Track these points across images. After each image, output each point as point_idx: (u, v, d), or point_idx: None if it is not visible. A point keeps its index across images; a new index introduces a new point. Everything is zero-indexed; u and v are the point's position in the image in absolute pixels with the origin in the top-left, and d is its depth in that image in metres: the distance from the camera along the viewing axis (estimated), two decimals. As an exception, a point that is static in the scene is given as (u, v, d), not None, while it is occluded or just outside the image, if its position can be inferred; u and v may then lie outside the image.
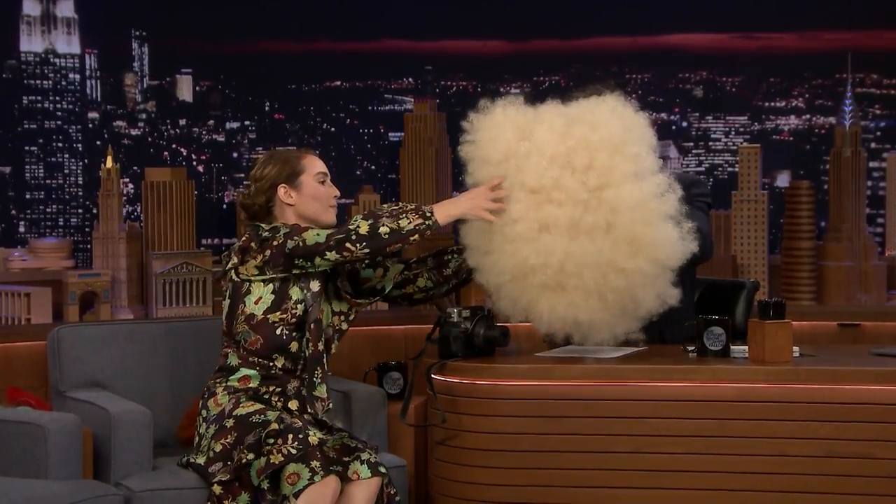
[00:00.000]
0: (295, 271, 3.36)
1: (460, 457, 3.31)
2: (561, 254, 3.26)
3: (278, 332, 3.36)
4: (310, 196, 3.48)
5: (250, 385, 3.38)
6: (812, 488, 3.16)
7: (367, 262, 3.50)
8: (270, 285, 3.37)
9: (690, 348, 3.41)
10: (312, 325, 3.38)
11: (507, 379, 3.30)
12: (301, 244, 3.32)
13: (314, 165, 3.52)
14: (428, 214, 3.32)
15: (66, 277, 6.57)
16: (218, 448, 3.28)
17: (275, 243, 3.34)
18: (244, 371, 3.40)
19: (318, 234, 3.33)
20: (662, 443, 3.21)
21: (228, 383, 3.40)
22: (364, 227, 3.28)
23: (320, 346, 3.40)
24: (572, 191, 3.28)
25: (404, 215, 3.31)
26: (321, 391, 3.40)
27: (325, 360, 3.43)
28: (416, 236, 3.30)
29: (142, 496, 3.37)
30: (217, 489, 3.22)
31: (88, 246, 7.71)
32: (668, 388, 3.23)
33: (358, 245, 3.28)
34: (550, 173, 3.30)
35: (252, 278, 3.38)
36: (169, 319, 3.54)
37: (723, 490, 3.20)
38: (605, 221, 3.26)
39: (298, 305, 3.37)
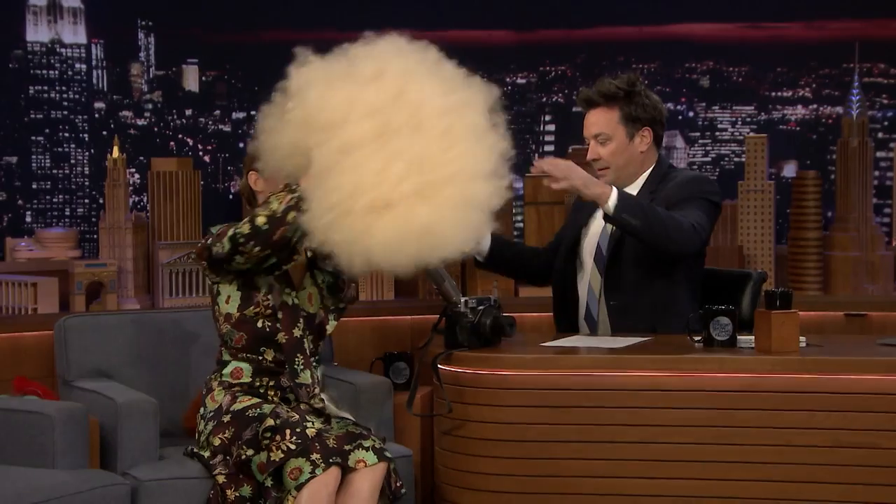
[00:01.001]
0: (231, 272, 3.31)
1: (466, 447, 3.31)
2: (415, 150, 2.97)
3: (260, 325, 3.35)
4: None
5: (243, 379, 3.38)
6: (818, 478, 3.16)
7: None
8: (235, 282, 3.35)
9: (697, 338, 3.41)
10: (281, 314, 3.36)
11: (513, 369, 3.29)
12: (221, 249, 3.23)
13: None
14: (294, 187, 3.17)
15: (73, 267, 6.57)
16: (216, 443, 3.29)
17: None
18: (235, 364, 3.40)
19: (230, 237, 3.20)
20: (668, 433, 3.21)
21: (223, 378, 3.40)
22: (246, 227, 3.16)
23: (296, 333, 3.37)
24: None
25: (274, 197, 3.18)
26: (305, 377, 3.38)
27: (306, 345, 3.40)
28: (294, 212, 3.13)
29: (149, 486, 3.37)
30: (221, 478, 3.23)
31: (95, 236, 7.71)
32: (674, 378, 3.23)
33: (249, 245, 3.15)
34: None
35: (216, 280, 3.37)
36: (175, 309, 3.54)
37: (729, 480, 3.19)
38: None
39: (270, 296, 3.35)
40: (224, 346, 3.43)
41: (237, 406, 3.31)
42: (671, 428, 3.20)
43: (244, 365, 3.38)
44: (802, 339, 3.31)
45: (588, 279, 3.76)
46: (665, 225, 3.46)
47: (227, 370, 3.40)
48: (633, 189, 3.73)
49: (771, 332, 3.23)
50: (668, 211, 3.55)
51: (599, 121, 3.69)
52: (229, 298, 3.34)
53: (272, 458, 3.16)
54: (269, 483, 3.18)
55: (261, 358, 3.36)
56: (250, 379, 3.36)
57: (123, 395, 3.54)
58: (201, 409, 3.42)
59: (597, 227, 3.77)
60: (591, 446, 3.23)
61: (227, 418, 3.29)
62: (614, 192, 3.44)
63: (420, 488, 3.73)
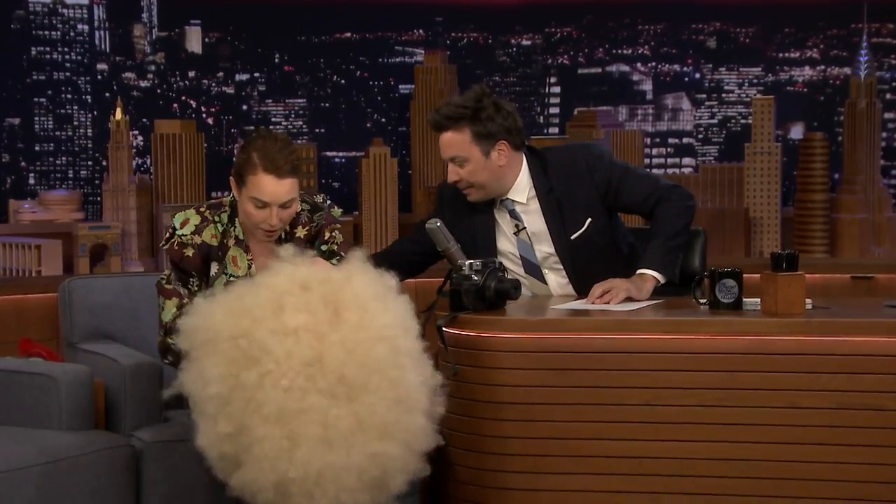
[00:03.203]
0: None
1: (471, 409, 3.32)
2: (319, 464, 2.90)
3: None
4: (243, 208, 3.35)
5: None
6: (822, 439, 3.16)
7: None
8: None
9: (702, 301, 3.40)
10: None
11: (518, 332, 3.29)
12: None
13: (255, 187, 3.28)
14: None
15: (77, 230, 6.57)
16: None
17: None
18: None
19: (166, 312, 3.35)
20: (673, 395, 3.21)
21: None
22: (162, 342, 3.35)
23: None
24: (319, 406, 2.92)
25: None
26: None
27: None
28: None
29: (154, 447, 3.39)
30: None
31: (98, 198, 7.70)
32: (679, 341, 3.22)
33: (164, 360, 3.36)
34: (293, 397, 2.90)
35: None
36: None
37: (733, 441, 3.20)
38: (354, 418, 2.94)
39: None
40: None
41: None
42: (676, 390, 3.20)
43: None
44: (808, 301, 3.31)
45: (529, 287, 3.78)
46: (683, 225, 3.67)
47: None
48: (521, 195, 3.75)
49: (777, 295, 3.23)
50: (636, 194, 3.71)
51: (452, 144, 3.67)
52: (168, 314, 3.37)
53: None
54: None
55: None
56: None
57: (128, 358, 3.55)
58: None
59: (508, 245, 3.78)
60: (595, 408, 3.23)
61: None
62: (655, 273, 3.58)
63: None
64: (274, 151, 3.28)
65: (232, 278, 3.34)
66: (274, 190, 3.27)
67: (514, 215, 3.75)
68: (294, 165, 3.31)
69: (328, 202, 3.55)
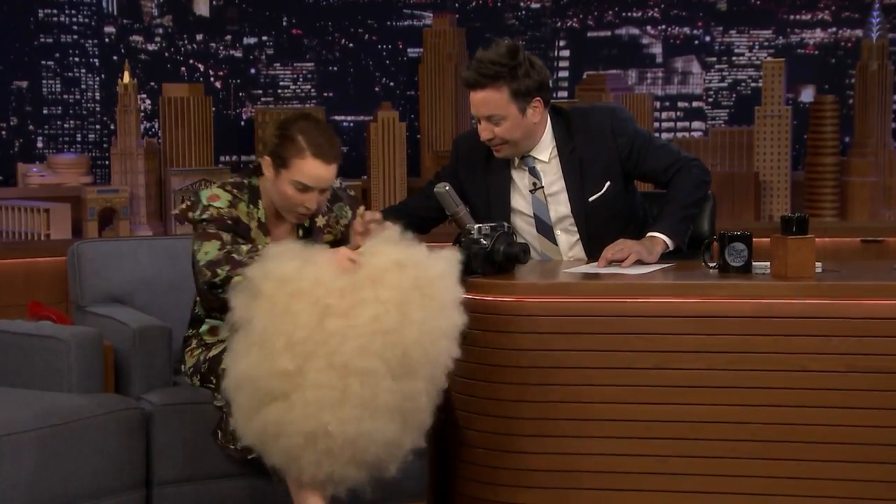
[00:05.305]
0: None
1: (480, 374, 3.32)
2: (354, 429, 2.99)
3: None
4: (280, 189, 3.32)
5: (221, 336, 3.40)
6: (832, 403, 3.16)
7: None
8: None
9: (712, 264, 3.39)
10: None
11: (527, 295, 3.29)
12: (193, 257, 3.30)
13: (300, 171, 3.27)
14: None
15: (85, 193, 6.56)
16: (206, 391, 3.36)
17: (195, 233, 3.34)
18: (210, 322, 3.44)
19: (206, 254, 3.25)
20: (684, 359, 3.21)
21: (201, 337, 3.44)
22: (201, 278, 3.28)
23: None
24: (377, 372, 3.02)
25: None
26: None
27: None
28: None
29: (163, 410, 3.40)
30: (222, 406, 3.28)
31: (107, 162, 7.69)
32: (689, 304, 3.22)
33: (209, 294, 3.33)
34: (362, 356, 3.01)
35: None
36: (187, 235, 3.54)
37: (742, 405, 3.20)
38: (398, 396, 3.06)
39: None
40: (200, 300, 3.45)
41: (212, 353, 3.38)
42: (686, 354, 3.20)
43: (219, 322, 3.41)
44: (818, 264, 3.29)
45: (539, 247, 3.75)
46: (699, 197, 3.68)
47: (203, 328, 3.46)
48: (544, 153, 3.72)
49: (787, 258, 3.22)
50: (657, 166, 3.70)
51: (489, 102, 3.59)
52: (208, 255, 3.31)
53: None
54: None
55: None
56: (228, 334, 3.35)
57: (137, 321, 3.56)
58: (183, 367, 3.48)
59: (523, 203, 3.75)
60: (604, 372, 3.23)
61: (205, 367, 3.38)
62: (666, 238, 3.56)
63: (433, 416, 3.74)
64: (320, 136, 3.29)
65: None
66: (320, 175, 3.28)
67: (533, 173, 3.72)
68: (338, 152, 3.33)
69: (343, 185, 3.57)
